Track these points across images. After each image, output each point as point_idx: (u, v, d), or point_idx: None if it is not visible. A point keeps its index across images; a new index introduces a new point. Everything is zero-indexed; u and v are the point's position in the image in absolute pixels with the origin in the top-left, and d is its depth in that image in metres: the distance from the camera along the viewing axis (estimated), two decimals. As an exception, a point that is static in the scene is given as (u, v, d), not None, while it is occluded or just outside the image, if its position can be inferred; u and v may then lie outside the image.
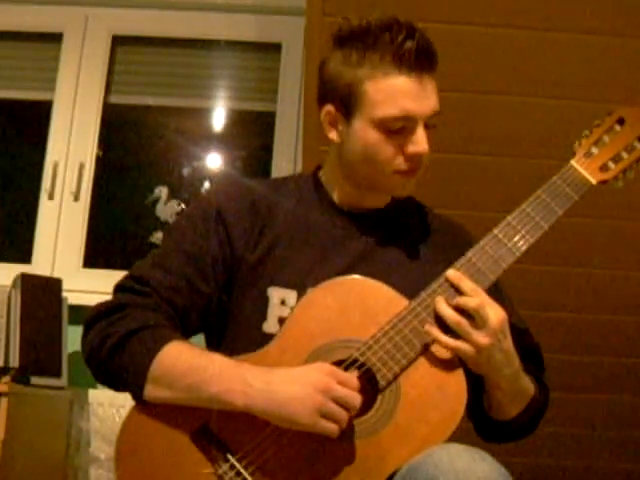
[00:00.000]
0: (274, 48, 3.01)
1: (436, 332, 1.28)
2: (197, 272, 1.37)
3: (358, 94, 1.35)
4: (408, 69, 1.32)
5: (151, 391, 1.27)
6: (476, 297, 1.28)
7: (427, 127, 1.36)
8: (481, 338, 1.26)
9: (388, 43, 1.32)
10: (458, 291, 1.30)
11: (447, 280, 1.31)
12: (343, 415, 1.21)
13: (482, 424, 1.44)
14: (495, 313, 1.28)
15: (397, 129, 1.34)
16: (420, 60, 1.32)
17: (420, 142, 1.35)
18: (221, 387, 1.23)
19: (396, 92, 1.32)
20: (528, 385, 1.38)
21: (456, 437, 1.26)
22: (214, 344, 1.42)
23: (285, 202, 1.44)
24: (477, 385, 1.36)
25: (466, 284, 1.29)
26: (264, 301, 1.36)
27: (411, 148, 1.35)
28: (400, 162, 1.37)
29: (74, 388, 2.55)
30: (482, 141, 2.34)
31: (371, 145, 1.36)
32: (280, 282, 1.37)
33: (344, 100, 1.37)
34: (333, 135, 1.41)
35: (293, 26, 2.92)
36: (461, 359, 1.30)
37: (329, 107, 1.40)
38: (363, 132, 1.36)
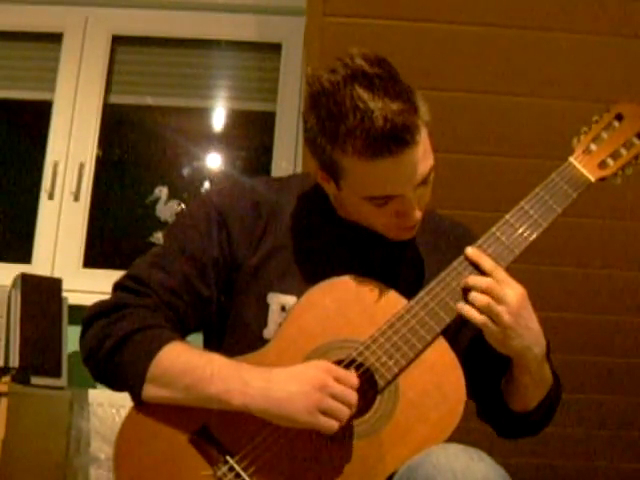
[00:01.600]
0: (274, 48, 3.01)
1: (466, 307, 1.28)
2: (197, 274, 1.36)
3: (339, 170, 1.29)
4: (384, 155, 1.23)
5: (150, 391, 1.26)
6: (490, 276, 1.28)
7: (422, 184, 1.30)
8: (503, 317, 1.25)
9: (356, 126, 1.22)
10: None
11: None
12: (342, 411, 1.21)
13: (501, 420, 1.42)
14: (513, 289, 1.27)
15: (385, 202, 1.30)
16: (395, 142, 1.22)
17: (410, 214, 1.32)
18: (219, 387, 1.23)
19: (375, 177, 1.26)
20: (549, 373, 1.38)
21: (455, 437, 1.26)
22: (213, 346, 1.41)
23: (287, 205, 1.43)
24: (495, 379, 1.36)
25: (486, 261, 1.30)
26: (264, 307, 1.36)
27: (402, 222, 1.33)
28: (396, 223, 1.34)
29: (74, 388, 2.55)
30: (482, 141, 2.34)
31: (363, 213, 1.35)
32: (280, 288, 1.36)
33: (328, 170, 1.32)
34: (329, 187, 1.38)
35: (293, 26, 2.92)
36: (468, 356, 1.30)
37: (318, 168, 1.35)
38: (353, 201, 1.34)
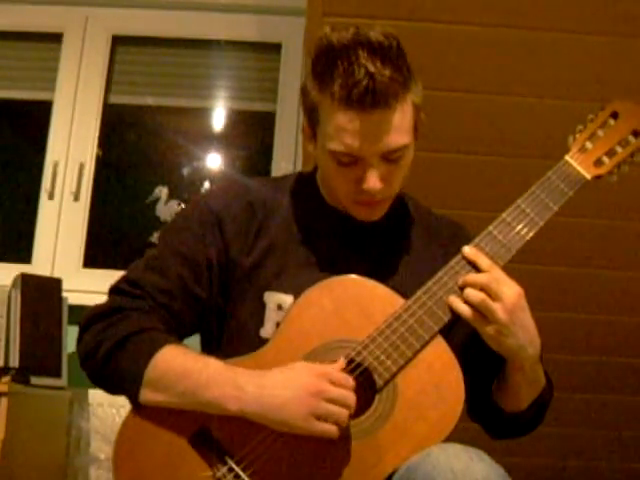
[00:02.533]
0: (274, 48, 3.01)
1: (456, 301, 1.28)
2: (193, 276, 1.36)
3: (316, 118, 1.32)
4: (357, 106, 1.25)
5: (146, 395, 1.27)
6: (487, 274, 1.28)
7: (390, 161, 1.31)
8: (499, 314, 1.25)
9: (342, 74, 1.25)
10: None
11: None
12: (340, 414, 1.21)
13: (491, 420, 1.42)
14: (510, 288, 1.27)
15: (348, 162, 1.31)
16: (371, 98, 1.24)
17: (368, 180, 1.31)
18: (215, 392, 1.23)
19: (342, 129, 1.27)
20: (542, 374, 1.37)
21: (454, 437, 1.26)
22: (210, 348, 1.42)
23: (282, 204, 1.43)
24: (486, 378, 1.36)
25: (483, 260, 1.30)
26: (261, 306, 1.36)
27: (360, 192, 1.33)
28: (357, 193, 1.34)
29: (74, 388, 2.55)
30: (481, 141, 2.34)
31: (328, 172, 1.36)
32: (276, 287, 1.36)
33: (310, 118, 1.35)
34: (310, 148, 1.39)
35: (293, 26, 2.92)
36: (467, 354, 1.30)
37: (305, 123, 1.37)
38: (322, 157, 1.35)
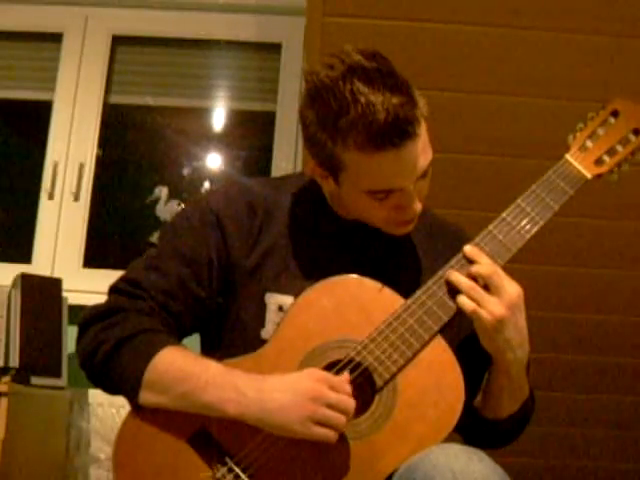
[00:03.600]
0: (274, 48, 3.01)
1: (457, 277, 1.28)
2: (192, 276, 1.36)
3: (339, 164, 1.29)
4: (388, 146, 1.23)
5: (146, 397, 1.26)
6: (491, 265, 1.28)
7: (421, 179, 1.31)
8: (496, 306, 1.25)
9: (356, 119, 1.22)
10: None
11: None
12: (339, 419, 1.21)
13: (470, 426, 1.40)
14: (511, 285, 1.27)
15: (386, 195, 1.31)
16: (398, 133, 1.23)
17: (410, 207, 1.32)
18: (214, 396, 1.23)
19: (377, 171, 1.27)
20: (526, 384, 1.37)
21: (455, 437, 1.26)
22: (210, 348, 1.41)
23: (283, 204, 1.43)
24: (471, 384, 1.36)
25: (483, 259, 1.30)
26: (262, 307, 1.36)
27: (401, 215, 1.34)
28: (395, 217, 1.35)
29: (74, 388, 2.55)
30: (481, 141, 2.34)
31: (364, 208, 1.35)
32: (277, 288, 1.36)
33: (327, 165, 1.32)
34: (326, 184, 1.38)
35: (293, 26, 2.92)
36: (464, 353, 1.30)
37: (315, 165, 1.35)
38: (353, 196, 1.34)
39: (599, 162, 1.40)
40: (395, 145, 1.23)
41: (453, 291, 1.30)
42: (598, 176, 1.40)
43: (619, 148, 1.41)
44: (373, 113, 1.21)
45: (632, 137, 1.42)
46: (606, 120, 1.43)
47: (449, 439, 1.24)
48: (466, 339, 1.35)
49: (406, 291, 1.32)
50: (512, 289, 1.27)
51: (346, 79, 1.24)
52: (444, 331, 1.30)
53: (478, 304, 1.27)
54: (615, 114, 1.43)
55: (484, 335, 1.28)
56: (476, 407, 1.39)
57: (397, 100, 1.23)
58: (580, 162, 1.39)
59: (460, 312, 1.29)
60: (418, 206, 1.33)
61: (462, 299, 1.28)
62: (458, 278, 1.29)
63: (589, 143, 1.41)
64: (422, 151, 1.28)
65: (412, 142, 1.25)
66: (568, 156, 1.40)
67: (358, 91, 1.23)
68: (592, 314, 2.55)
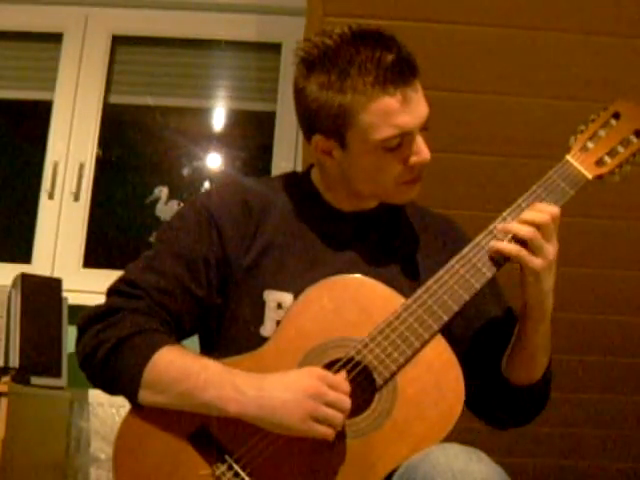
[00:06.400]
0: (274, 48, 3.01)
1: (500, 244, 1.29)
2: (190, 275, 1.36)
3: (348, 121, 1.31)
4: (394, 87, 1.29)
5: (145, 396, 1.27)
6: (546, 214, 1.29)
7: (421, 131, 1.35)
8: (551, 251, 1.27)
9: (366, 63, 1.28)
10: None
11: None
12: (337, 418, 1.21)
13: (501, 402, 1.40)
14: (555, 237, 1.29)
15: (396, 145, 1.32)
16: (403, 73, 1.29)
17: (422, 151, 1.34)
18: (213, 394, 1.23)
19: (388, 113, 1.29)
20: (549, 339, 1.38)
21: (454, 437, 1.26)
22: (210, 347, 1.42)
23: (279, 202, 1.44)
24: (494, 357, 1.37)
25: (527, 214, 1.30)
26: (260, 305, 1.36)
27: (414, 159, 1.35)
28: (405, 174, 1.36)
29: (74, 388, 2.55)
30: (481, 141, 2.34)
31: (374, 167, 1.36)
32: (276, 285, 1.36)
33: (334, 129, 1.33)
34: (330, 163, 1.39)
35: (293, 26, 2.91)
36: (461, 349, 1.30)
37: (318, 137, 1.36)
38: (363, 156, 1.35)
39: (600, 163, 1.41)
40: (405, 81, 1.29)
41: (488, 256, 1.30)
42: (599, 177, 1.40)
43: (620, 149, 1.42)
44: (380, 55, 1.28)
45: (633, 139, 1.42)
46: (607, 121, 1.43)
47: (450, 439, 1.24)
48: (467, 324, 1.38)
49: (403, 285, 1.33)
50: (556, 240, 1.29)
51: (348, 42, 1.30)
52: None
53: (533, 250, 1.27)
54: (616, 116, 1.43)
55: (532, 282, 1.28)
56: (507, 379, 1.38)
57: (398, 45, 1.30)
58: (581, 163, 1.39)
59: (460, 312, 1.29)
60: (428, 155, 1.34)
61: (514, 247, 1.28)
62: (513, 226, 1.29)
63: (590, 144, 1.41)
64: (422, 97, 1.33)
65: (417, 81, 1.31)
66: (569, 157, 1.40)
67: (362, 45, 1.29)
68: (592, 314, 2.55)
